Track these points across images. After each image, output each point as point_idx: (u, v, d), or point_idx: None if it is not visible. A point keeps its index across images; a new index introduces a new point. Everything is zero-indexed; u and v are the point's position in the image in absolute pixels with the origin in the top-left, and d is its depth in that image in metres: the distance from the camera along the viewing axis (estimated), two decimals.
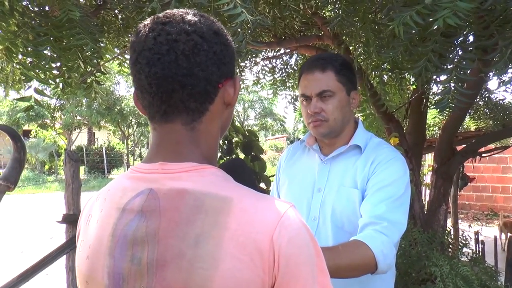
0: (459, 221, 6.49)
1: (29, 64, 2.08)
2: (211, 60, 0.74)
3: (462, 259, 3.13)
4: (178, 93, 0.73)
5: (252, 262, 0.66)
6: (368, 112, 3.58)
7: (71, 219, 2.82)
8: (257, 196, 0.73)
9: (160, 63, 0.71)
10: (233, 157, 3.12)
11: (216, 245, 0.66)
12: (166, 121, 0.76)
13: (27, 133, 20.78)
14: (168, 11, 0.77)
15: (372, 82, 3.19)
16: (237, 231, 0.67)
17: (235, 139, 3.30)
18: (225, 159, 3.18)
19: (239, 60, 3.06)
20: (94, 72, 2.30)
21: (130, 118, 20.68)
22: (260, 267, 0.66)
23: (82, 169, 19.01)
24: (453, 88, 1.66)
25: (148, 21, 0.76)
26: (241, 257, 0.66)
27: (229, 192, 0.71)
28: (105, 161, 20.20)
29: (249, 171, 1.00)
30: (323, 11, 3.26)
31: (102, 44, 2.64)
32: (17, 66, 2.37)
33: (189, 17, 0.75)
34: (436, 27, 1.36)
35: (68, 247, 2.70)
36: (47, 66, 2.03)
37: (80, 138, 23.36)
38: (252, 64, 4.46)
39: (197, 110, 0.75)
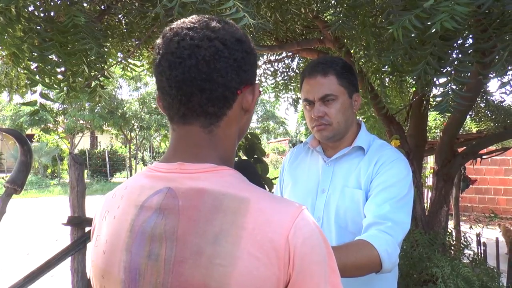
0: (461, 223, 6.48)
1: (35, 69, 2.11)
2: (231, 67, 0.76)
3: (463, 260, 3.13)
4: (197, 97, 0.75)
5: (269, 260, 0.68)
6: (369, 114, 3.60)
7: (76, 222, 2.84)
8: (272, 198, 0.75)
9: (181, 67, 0.74)
10: (236, 159, 3.14)
11: (234, 243, 0.68)
12: (185, 123, 0.78)
13: (30, 138, 20.76)
14: (194, 16, 0.80)
15: (373, 84, 3.21)
16: (254, 230, 0.69)
17: None
18: None
19: None
20: (98, 76, 2.33)
21: (133, 122, 20.66)
22: (276, 265, 0.68)
23: (85, 172, 18.99)
24: (452, 91, 1.68)
25: (174, 25, 0.79)
26: (258, 255, 0.68)
27: (246, 193, 0.73)
28: (107, 165, 20.21)
29: (256, 173, 1.03)
30: (324, 15, 3.28)
31: (106, 49, 2.67)
32: (23, 71, 2.40)
33: (214, 23, 0.77)
34: (434, 30, 1.38)
35: (73, 249, 2.73)
36: (52, 71, 2.06)
37: (83, 142, 23.38)
38: None
39: (215, 114, 0.77)
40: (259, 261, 0.68)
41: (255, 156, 3.28)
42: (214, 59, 0.74)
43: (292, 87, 4.61)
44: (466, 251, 3.32)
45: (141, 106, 20.17)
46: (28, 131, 21.10)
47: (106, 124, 19.86)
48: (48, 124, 19.75)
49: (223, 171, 0.76)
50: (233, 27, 0.79)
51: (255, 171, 0.98)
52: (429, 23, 1.38)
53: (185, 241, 0.71)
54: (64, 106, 17.76)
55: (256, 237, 0.69)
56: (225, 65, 0.75)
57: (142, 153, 27.81)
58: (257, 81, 0.85)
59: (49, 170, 19.96)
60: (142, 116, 20.27)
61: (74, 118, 19.14)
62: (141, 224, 0.75)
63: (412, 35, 1.62)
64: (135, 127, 21.43)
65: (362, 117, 3.59)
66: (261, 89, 4.67)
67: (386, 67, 2.62)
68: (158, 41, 0.79)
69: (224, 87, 0.76)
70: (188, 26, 0.76)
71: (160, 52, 0.77)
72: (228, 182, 0.75)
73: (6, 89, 3.90)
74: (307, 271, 0.70)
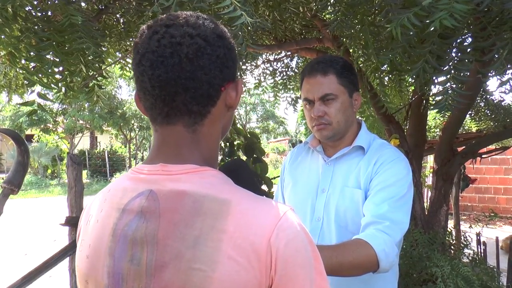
0: (461, 222, 6.47)
1: (32, 69, 2.10)
2: (214, 64, 0.74)
3: (463, 260, 3.13)
4: (181, 96, 0.73)
5: (250, 264, 0.67)
6: (368, 113, 3.59)
7: (74, 222, 2.83)
8: (255, 199, 0.73)
9: (163, 66, 0.72)
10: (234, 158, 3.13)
11: (214, 247, 0.67)
12: (168, 123, 0.76)
13: (29, 138, 20.78)
14: (171, 13, 0.77)
15: (372, 83, 3.20)
16: (235, 233, 0.67)
17: (237, 141, 3.32)
18: (226, 160, 3.19)
19: (240, 63, 3.08)
20: (96, 76, 2.32)
21: (132, 122, 20.67)
22: (257, 269, 0.67)
23: (84, 173, 19.05)
24: (451, 89, 1.67)
25: (151, 22, 0.76)
26: (239, 259, 0.66)
27: (228, 194, 0.72)
28: (107, 165, 20.20)
29: (249, 172, 1.01)
30: (323, 14, 3.27)
31: (104, 48, 2.67)
32: (20, 71, 2.39)
33: (193, 19, 0.75)
34: (433, 28, 1.37)
35: (71, 249, 2.71)
36: (49, 71, 2.05)
37: (83, 142, 23.38)
38: (253, 67, 4.47)
39: (199, 113, 0.76)
40: (240, 265, 0.66)
41: (254, 155, 3.28)
42: (197, 56, 0.72)
43: (291, 87, 4.60)
44: (466, 250, 3.31)
45: None
46: (28, 131, 21.07)
47: (106, 124, 19.86)
48: (48, 124, 19.74)
49: (205, 172, 0.74)
50: (212, 22, 0.78)
51: (245, 170, 0.96)
52: (428, 21, 1.37)
53: (165, 245, 0.69)
54: (64, 106, 17.76)
55: (237, 240, 0.67)
56: (209, 62, 0.73)
57: (142, 153, 27.77)
58: (240, 77, 0.84)
59: (49, 171, 19.93)
60: (142, 116, 20.24)
61: (73, 118, 19.14)
62: (123, 227, 0.73)
63: (411, 33, 1.61)
64: (135, 127, 21.44)
65: (361, 116, 3.58)
66: (260, 88, 4.67)
67: (385, 66, 2.61)
68: (136, 40, 0.77)
69: (208, 85, 0.74)
70: (167, 23, 0.74)
71: (140, 51, 0.74)
72: (209, 183, 0.73)
73: (5, 89, 3.89)
74: (291, 275, 0.68)
